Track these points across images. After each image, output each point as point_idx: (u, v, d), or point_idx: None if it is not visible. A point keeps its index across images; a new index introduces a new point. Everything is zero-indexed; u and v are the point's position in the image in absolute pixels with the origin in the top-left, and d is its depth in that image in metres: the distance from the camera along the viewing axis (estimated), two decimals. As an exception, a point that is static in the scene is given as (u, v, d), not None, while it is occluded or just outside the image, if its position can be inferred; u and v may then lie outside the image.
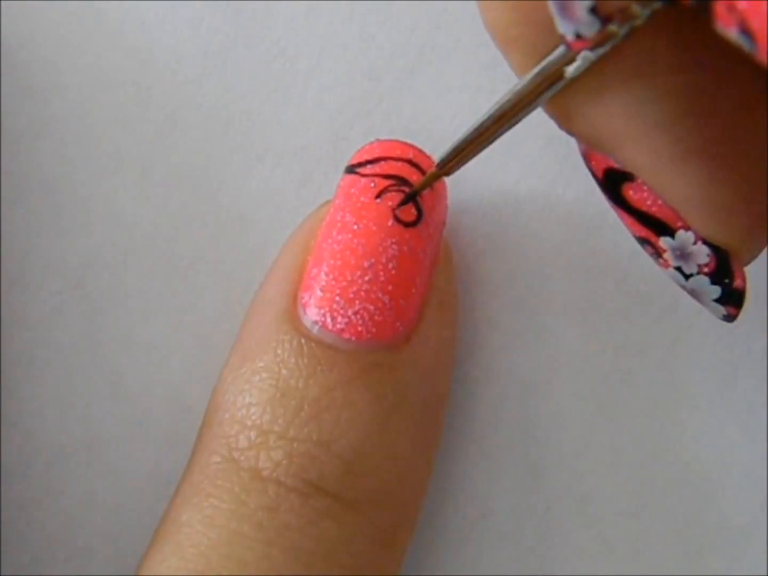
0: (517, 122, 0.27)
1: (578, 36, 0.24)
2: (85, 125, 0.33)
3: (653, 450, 0.32)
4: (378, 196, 0.29)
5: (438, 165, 0.29)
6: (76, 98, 0.33)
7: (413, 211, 0.29)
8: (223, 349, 0.31)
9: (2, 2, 0.33)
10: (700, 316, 0.32)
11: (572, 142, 0.28)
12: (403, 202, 0.29)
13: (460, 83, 0.33)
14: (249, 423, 0.28)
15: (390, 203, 0.29)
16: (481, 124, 0.27)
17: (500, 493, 0.32)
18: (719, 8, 0.20)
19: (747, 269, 0.28)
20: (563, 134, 0.27)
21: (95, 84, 0.33)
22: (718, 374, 0.32)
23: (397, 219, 0.29)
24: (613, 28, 0.24)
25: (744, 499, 0.32)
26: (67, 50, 0.33)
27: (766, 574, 0.32)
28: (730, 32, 0.20)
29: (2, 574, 0.32)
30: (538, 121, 0.29)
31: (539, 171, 0.32)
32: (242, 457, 0.28)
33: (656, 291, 0.32)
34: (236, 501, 0.28)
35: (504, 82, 0.32)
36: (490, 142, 0.28)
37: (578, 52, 0.24)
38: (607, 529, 0.32)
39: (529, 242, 0.32)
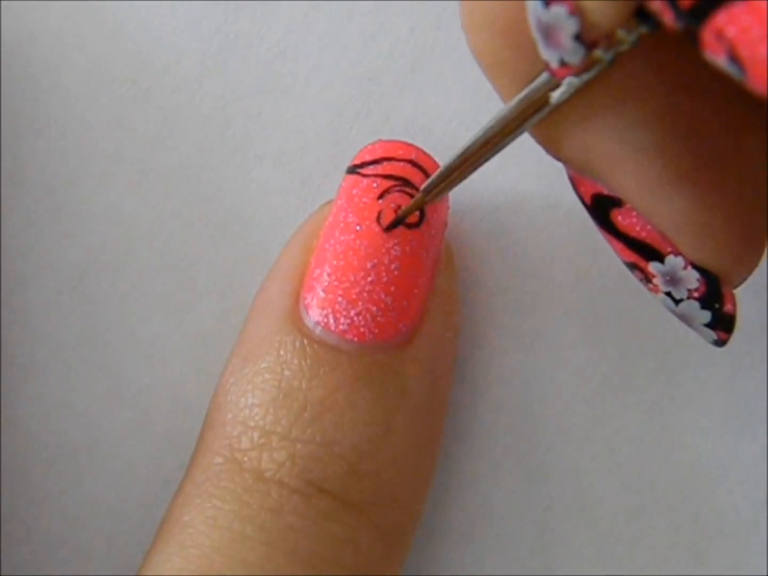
0: (502, 148, 0.27)
1: (563, 63, 0.24)
2: (85, 125, 0.33)
3: (653, 450, 0.32)
4: (380, 196, 0.29)
5: (423, 190, 0.29)
6: (76, 98, 0.33)
7: (416, 212, 0.29)
8: (224, 349, 0.31)
9: (2, 2, 0.32)
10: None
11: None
12: (390, 227, 0.29)
13: (460, 83, 0.33)
14: (252, 424, 0.28)
15: (393, 204, 0.29)
16: (466, 150, 0.27)
17: (500, 493, 0.32)
18: (707, 36, 0.20)
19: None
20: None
21: (95, 84, 0.33)
22: (718, 374, 0.32)
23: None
24: (598, 54, 0.23)
25: (744, 499, 0.32)
26: (67, 50, 0.33)
27: (766, 574, 0.32)
28: (719, 60, 0.20)
29: (2, 574, 0.32)
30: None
31: (539, 171, 0.32)
32: (245, 458, 0.28)
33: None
34: (239, 502, 0.28)
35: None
36: (476, 168, 0.27)
37: (563, 79, 0.24)
38: (607, 529, 0.32)
39: (529, 242, 0.32)
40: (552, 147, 0.26)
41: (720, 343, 0.28)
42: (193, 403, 0.32)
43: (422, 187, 0.29)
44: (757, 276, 0.31)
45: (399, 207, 0.29)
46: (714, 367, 0.32)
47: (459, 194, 0.31)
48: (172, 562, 0.27)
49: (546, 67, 0.24)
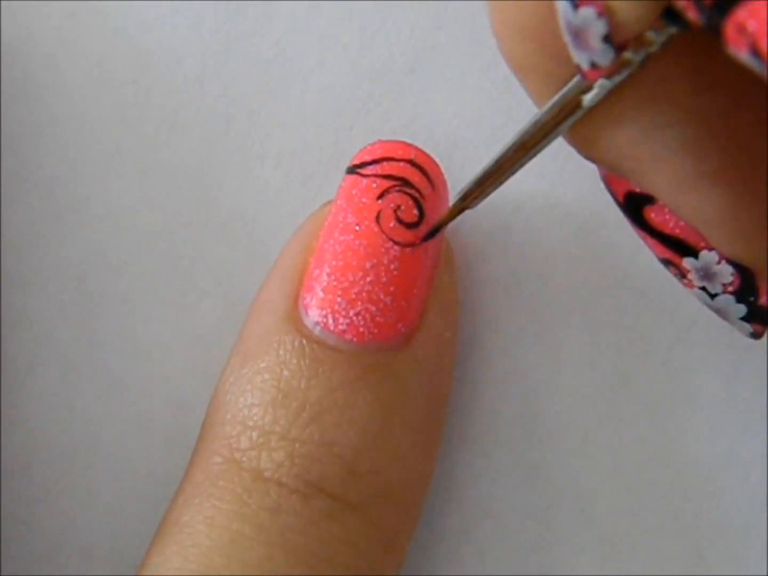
0: (537, 152, 0.27)
1: (593, 65, 0.24)
2: (85, 125, 0.33)
3: (653, 450, 0.32)
4: (380, 196, 0.29)
5: (461, 198, 0.29)
6: (76, 98, 0.33)
7: (415, 212, 0.29)
8: (224, 349, 0.31)
9: (2, 2, 0.33)
10: (701, 316, 0.32)
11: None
12: (427, 237, 0.29)
13: (460, 83, 0.33)
14: (250, 424, 0.28)
15: (392, 204, 0.29)
16: (502, 156, 0.27)
17: (500, 493, 0.32)
18: (730, 31, 0.20)
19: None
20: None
21: (95, 84, 0.33)
22: (718, 374, 0.32)
23: (399, 220, 0.29)
24: (628, 55, 0.23)
25: (744, 499, 0.32)
26: (67, 50, 0.33)
27: (766, 574, 0.32)
28: (742, 54, 0.20)
29: (2, 574, 0.32)
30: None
31: (540, 171, 0.32)
32: (244, 458, 0.28)
33: (656, 291, 0.32)
34: (238, 502, 0.28)
35: (504, 82, 0.32)
36: (512, 173, 0.28)
37: (594, 81, 0.24)
38: (607, 528, 0.32)
39: (529, 242, 0.32)
40: (584, 148, 0.26)
41: (756, 335, 0.28)
42: (193, 403, 0.32)
43: (459, 193, 0.29)
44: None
45: (398, 207, 0.29)
46: (714, 367, 0.32)
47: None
48: (171, 562, 0.27)
49: (577, 69, 0.24)
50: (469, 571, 0.32)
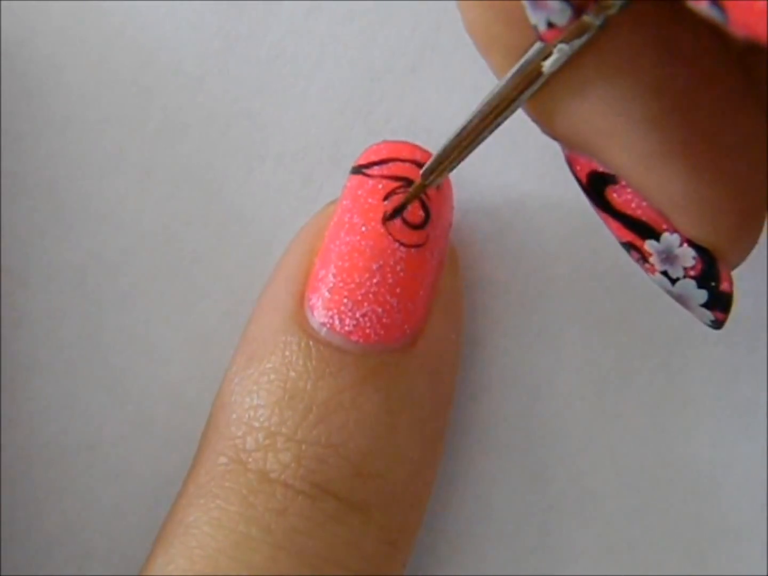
0: (498, 125, 0.27)
1: (550, 25, 0.24)
2: (85, 125, 0.33)
3: (654, 450, 0.32)
4: (386, 197, 0.29)
5: (423, 175, 0.29)
6: (77, 98, 0.33)
7: (420, 212, 0.29)
8: (225, 349, 0.31)
9: (2, 2, 0.32)
10: (701, 316, 0.32)
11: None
12: (391, 216, 0.29)
13: (460, 83, 0.33)
14: (257, 425, 0.28)
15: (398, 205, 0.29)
16: (463, 129, 0.27)
17: (501, 493, 0.32)
18: None
19: (747, 268, 0.28)
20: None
21: (96, 84, 0.33)
22: (718, 374, 0.32)
23: (404, 221, 0.29)
24: (587, 18, 0.24)
25: (744, 499, 0.32)
26: (67, 50, 0.33)
27: (766, 574, 0.32)
28: (701, 6, 0.20)
29: (2, 574, 0.32)
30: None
31: (540, 171, 0.32)
32: (249, 459, 0.28)
33: (656, 291, 0.32)
34: (244, 503, 0.28)
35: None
36: (473, 148, 0.28)
37: (554, 45, 0.24)
38: (608, 529, 0.32)
39: (530, 242, 0.32)
40: (546, 122, 0.26)
41: (717, 324, 0.28)
42: (195, 403, 0.32)
43: (421, 171, 0.29)
44: (756, 275, 0.31)
45: (403, 207, 0.29)
46: (714, 367, 0.32)
47: (459, 194, 0.31)
48: (176, 563, 0.27)
49: (534, 31, 0.24)
50: (469, 571, 0.32)
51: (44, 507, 0.32)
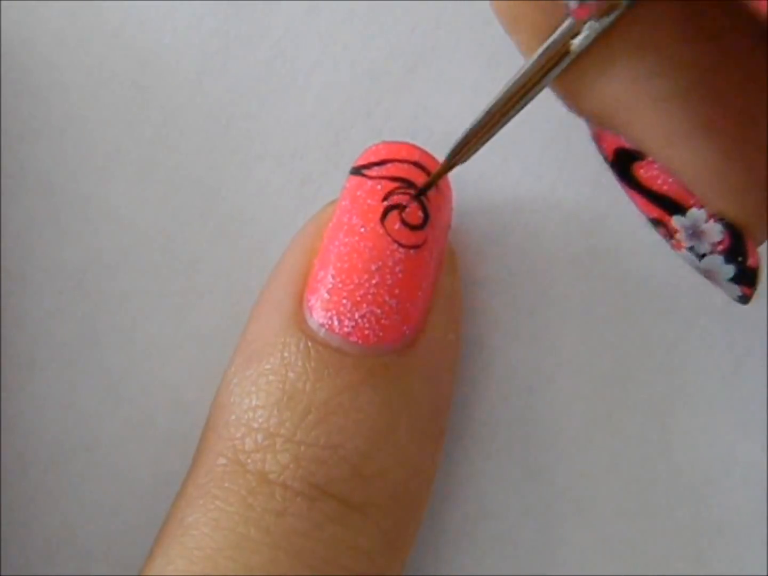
0: (525, 105, 0.27)
1: (582, 2, 0.24)
2: (84, 125, 0.33)
3: (653, 450, 0.32)
4: (385, 198, 0.29)
5: (450, 155, 0.29)
6: (76, 98, 0.33)
7: (420, 213, 0.29)
8: (224, 349, 0.31)
9: (2, 2, 0.32)
10: (701, 316, 0.32)
11: (572, 143, 0.28)
12: (418, 194, 0.29)
13: (460, 83, 0.33)
14: (255, 426, 0.28)
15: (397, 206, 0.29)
16: (491, 108, 0.27)
17: (500, 493, 0.32)
18: None
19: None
20: (564, 135, 0.27)
21: (95, 84, 0.33)
22: (718, 374, 0.32)
23: (403, 222, 0.29)
24: None
25: (744, 499, 0.32)
26: (67, 50, 0.33)
27: (766, 574, 0.32)
28: None
29: (2, 574, 0.32)
30: (538, 121, 0.29)
31: (539, 172, 0.32)
32: (249, 460, 0.28)
33: (656, 291, 0.32)
34: (243, 504, 0.28)
35: (504, 81, 0.32)
36: (500, 128, 0.28)
37: (583, 22, 0.24)
38: (607, 528, 0.32)
39: (529, 243, 0.32)
40: (573, 100, 0.26)
41: (744, 298, 0.28)
42: (194, 404, 0.32)
43: (449, 150, 0.29)
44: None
45: (403, 209, 0.29)
46: (714, 366, 0.32)
47: (459, 194, 0.31)
48: (175, 564, 0.27)
49: (565, 9, 0.24)
50: (469, 571, 0.32)
51: (44, 507, 0.32)
